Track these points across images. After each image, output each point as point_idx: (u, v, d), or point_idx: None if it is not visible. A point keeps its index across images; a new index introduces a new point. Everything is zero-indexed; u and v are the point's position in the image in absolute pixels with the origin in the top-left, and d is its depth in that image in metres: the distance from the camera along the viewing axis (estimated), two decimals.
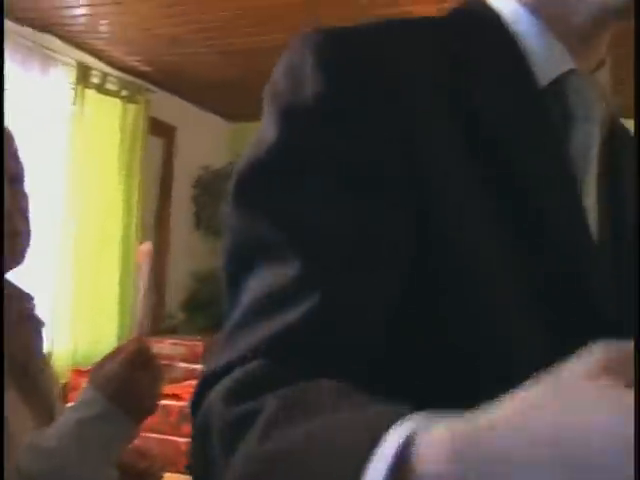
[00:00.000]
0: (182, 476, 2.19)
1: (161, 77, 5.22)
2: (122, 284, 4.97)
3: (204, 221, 6.30)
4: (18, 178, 1.39)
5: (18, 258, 1.39)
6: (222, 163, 6.37)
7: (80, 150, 4.59)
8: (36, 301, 1.45)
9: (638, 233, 0.76)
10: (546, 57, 0.77)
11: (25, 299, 1.44)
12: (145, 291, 1.52)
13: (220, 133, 6.52)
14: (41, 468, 1.21)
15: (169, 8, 3.96)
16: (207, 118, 6.31)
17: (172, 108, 5.70)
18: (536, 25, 0.78)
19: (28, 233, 1.40)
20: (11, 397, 1.29)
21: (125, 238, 5.01)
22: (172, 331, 5.56)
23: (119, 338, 4.91)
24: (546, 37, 0.77)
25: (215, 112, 6.32)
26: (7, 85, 3.47)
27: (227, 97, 5.84)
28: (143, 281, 1.55)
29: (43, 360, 1.46)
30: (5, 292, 1.40)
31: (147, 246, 1.55)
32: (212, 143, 6.39)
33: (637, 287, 0.73)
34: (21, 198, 1.39)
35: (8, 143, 1.39)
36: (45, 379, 1.44)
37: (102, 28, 4.30)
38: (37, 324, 1.45)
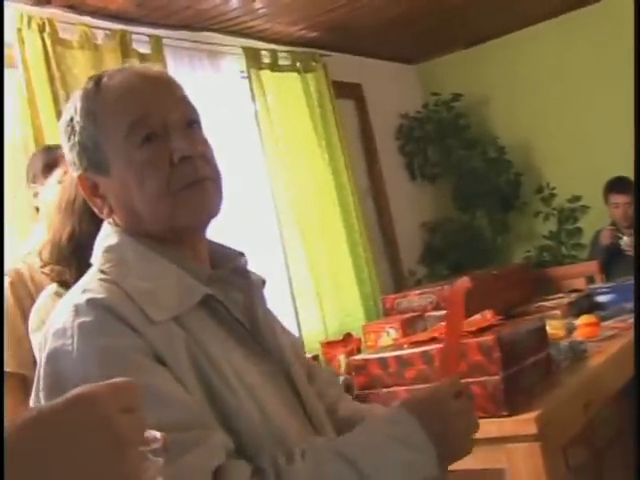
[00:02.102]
0: None
1: (330, 38, 5.07)
2: (353, 253, 4.89)
3: (417, 170, 6.12)
4: (193, 121, 1.29)
5: (209, 208, 1.27)
6: (417, 107, 6.16)
7: (274, 133, 4.54)
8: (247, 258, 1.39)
9: (638, 233, 0.75)
10: None
11: (234, 256, 1.37)
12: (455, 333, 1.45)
13: (406, 78, 6.31)
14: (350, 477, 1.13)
15: None
16: (388, 66, 6.08)
17: (350, 66, 5.54)
18: None
19: (215, 180, 1.28)
20: (243, 361, 1.23)
21: (344, 206, 4.92)
22: (417, 287, 5.43)
23: (365, 308, 4.84)
24: None
25: (394, 59, 6.09)
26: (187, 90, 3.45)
27: (401, 40, 5.60)
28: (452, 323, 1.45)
29: (269, 323, 1.36)
30: (215, 252, 1.36)
31: (464, 283, 1.42)
32: (401, 89, 6.19)
33: (637, 287, 0.72)
34: (199, 143, 1.28)
35: (182, 90, 1.32)
36: (277, 346, 1.34)
37: (257, 5, 4.20)
38: (254, 281, 1.37)
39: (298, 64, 4.86)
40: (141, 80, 1.27)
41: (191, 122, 1.28)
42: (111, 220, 1.30)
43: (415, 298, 3.43)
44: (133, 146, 1.22)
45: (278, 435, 1.19)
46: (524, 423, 2.01)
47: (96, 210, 1.30)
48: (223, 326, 1.25)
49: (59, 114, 3.24)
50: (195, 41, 4.19)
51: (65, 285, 1.69)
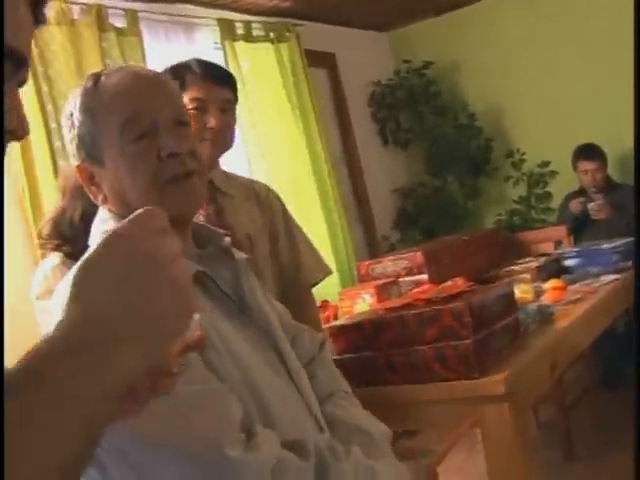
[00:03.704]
0: (439, 384, 2.15)
1: (303, 7, 5.11)
2: (327, 220, 4.97)
3: (389, 136, 6.20)
4: (183, 121, 1.40)
5: (195, 201, 1.39)
6: (389, 74, 6.23)
7: (248, 103, 4.59)
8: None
9: (638, 231, 0.82)
10: None
11: (218, 237, 1.48)
12: None
13: (378, 45, 6.36)
14: None
15: None
16: (360, 34, 6.14)
17: (324, 36, 5.58)
18: None
19: (201, 175, 1.40)
20: (231, 331, 1.34)
21: (318, 174, 4.99)
22: (390, 252, 5.53)
23: (340, 274, 4.94)
24: None
25: (366, 27, 6.14)
26: (157, 62, 3.50)
27: (373, 8, 5.64)
28: None
29: (255, 296, 1.46)
30: (199, 232, 1.46)
31: None
32: (373, 57, 6.24)
33: (637, 285, 0.82)
34: (187, 141, 1.39)
35: (174, 92, 1.41)
36: (263, 315, 1.44)
37: None
38: (238, 259, 1.47)
39: (272, 34, 4.90)
40: (136, 80, 1.38)
41: (181, 121, 1.38)
42: (105, 206, 1.40)
43: (389, 264, 3.51)
44: (126, 142, 1.33)
45: (256, 393, 1.31)
46: (493, 384, 2.11)
47: (91, 197, 1.41)
48: (213, 301, 1.36)
49: (38, 91, 3.29)
50: (170, 14, 4.22)
51: (70, 257, 1.81)
